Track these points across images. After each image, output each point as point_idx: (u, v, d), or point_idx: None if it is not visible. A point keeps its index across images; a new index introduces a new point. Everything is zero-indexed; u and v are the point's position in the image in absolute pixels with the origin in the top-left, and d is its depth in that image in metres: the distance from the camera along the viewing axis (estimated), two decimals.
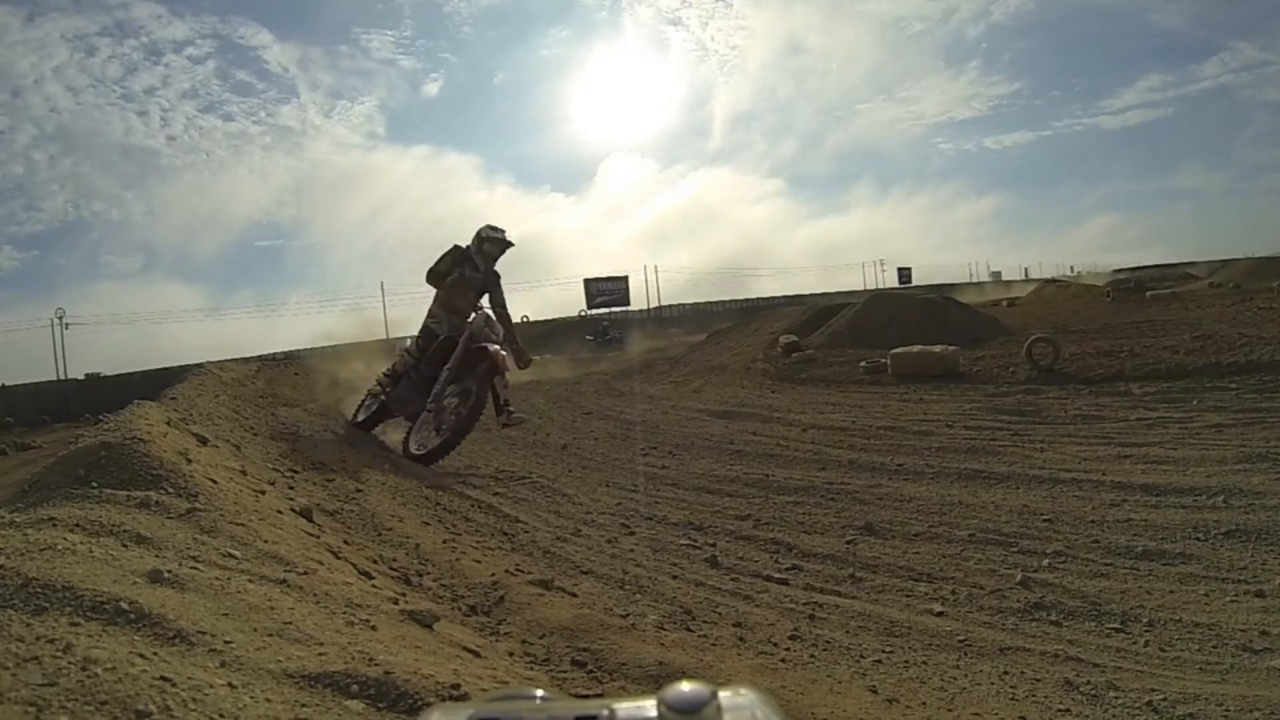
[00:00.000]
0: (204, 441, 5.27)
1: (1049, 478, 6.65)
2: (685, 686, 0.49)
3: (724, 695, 0.49)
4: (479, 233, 8.43)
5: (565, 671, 3.36)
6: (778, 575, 5.00)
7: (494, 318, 8.26)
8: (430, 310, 8.51)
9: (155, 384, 11.28)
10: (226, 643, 2.11)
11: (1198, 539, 5.10)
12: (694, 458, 8.64)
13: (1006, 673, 3.63)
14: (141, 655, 1.90)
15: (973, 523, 5.74)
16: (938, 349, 13.35)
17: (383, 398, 8.48)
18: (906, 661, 3.77)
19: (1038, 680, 3.54)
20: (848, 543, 5.57)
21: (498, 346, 7.96)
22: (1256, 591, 4.31)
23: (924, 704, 3.33)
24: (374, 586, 3.55)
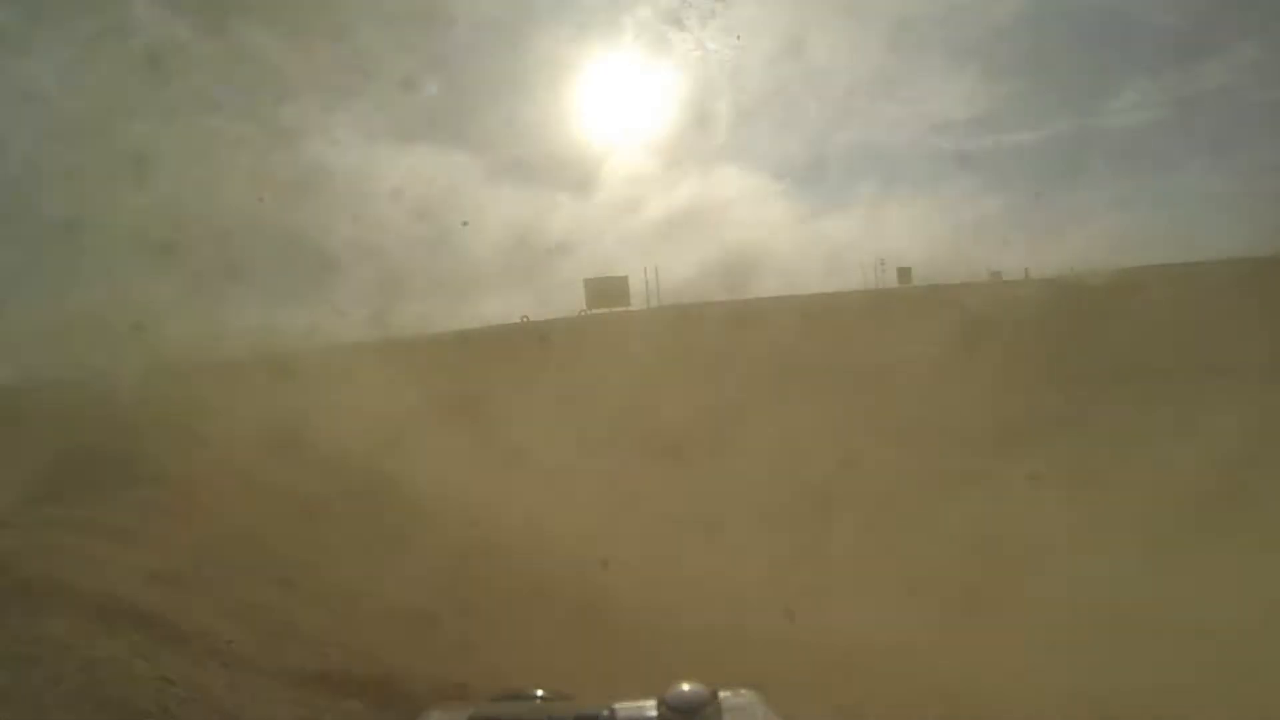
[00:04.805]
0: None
1: None
2: (685, 686, 0.49)
3: (724, 695, 0.49)
4: None
5: None
6: None
7: None
8: None
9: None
10: (227, 642, 2.10)
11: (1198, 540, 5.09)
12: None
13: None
14: (141, 655, 1.89)
15: None
16: None
17: None
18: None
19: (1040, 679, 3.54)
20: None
21: None
22: (1257, 591, 4.30)
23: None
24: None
